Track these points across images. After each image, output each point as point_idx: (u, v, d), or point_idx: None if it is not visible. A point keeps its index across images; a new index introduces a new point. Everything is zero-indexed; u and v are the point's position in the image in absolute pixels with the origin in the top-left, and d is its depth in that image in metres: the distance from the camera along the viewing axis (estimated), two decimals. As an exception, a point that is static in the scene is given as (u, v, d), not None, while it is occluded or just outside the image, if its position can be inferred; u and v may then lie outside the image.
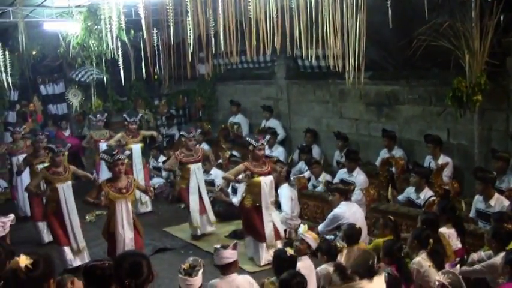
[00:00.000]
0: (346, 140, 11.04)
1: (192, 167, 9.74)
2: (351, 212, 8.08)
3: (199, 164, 9.95)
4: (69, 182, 8.61)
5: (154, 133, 12.59)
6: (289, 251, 5.76)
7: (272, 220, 8.46)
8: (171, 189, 12.31)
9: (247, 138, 8.88)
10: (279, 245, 8.27)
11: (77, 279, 4.76)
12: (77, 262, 8.47)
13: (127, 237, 7.76)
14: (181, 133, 10.40)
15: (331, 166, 11.22)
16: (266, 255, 8.24)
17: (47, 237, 9.74)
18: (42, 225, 9.80)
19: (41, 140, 10.19)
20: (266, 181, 8.41)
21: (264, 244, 8.35)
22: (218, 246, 5.78)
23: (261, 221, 8.37)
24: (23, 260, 3.63)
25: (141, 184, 8.70)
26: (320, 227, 8.39)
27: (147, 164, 12.03)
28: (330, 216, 8.25)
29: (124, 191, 7.80)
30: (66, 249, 8.48)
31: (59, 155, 8.54)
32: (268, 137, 9.13)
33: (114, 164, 7.82)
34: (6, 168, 12.72)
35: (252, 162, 8.51)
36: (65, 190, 8.48)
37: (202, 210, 9.79)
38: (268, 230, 8.37)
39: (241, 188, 10.25)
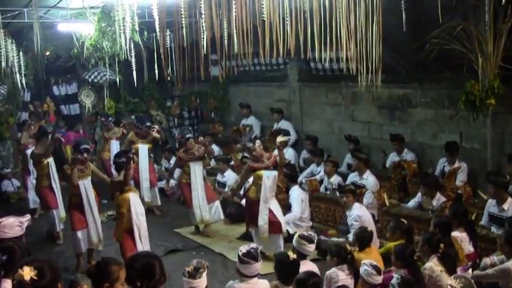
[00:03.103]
0: (357, 142, 11.00)
1: (190, 164, 9.91)
2: (365, 212, 8.15)
3: (200, 163, 10.09)
4: (89, 178, 8.80)
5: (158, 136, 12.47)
6: (291, 255, 5.73)
7: (267, 214, 8.53)
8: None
9: (245, 144, 9.17)
10: (281, 239, 8.52)
11: (88, 282, 4.76)
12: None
13: (143, 228, 7.92)
14: (188, 136, 10.40)
15: (340, 168, 11.16)
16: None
17: (60, 224, 9.93)
18: (56, 213, 9.86)
19: (59, 135, 10.30)
20: (268, 175, 8.53)
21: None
22: (247, 258, 5.41)
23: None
24: (27, 273, 3.54)
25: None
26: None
27: (153, 165, 12.08)
28: (354, 220, 8.20)
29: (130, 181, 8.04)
30: (80, 233, 8.64)
31: (82, 153, 8.72)
32: (254, 135, 9.28)
33: (128, 162, 7.85)
34: (19, 167, 12.81)
35: (254, 160, 8.77)
36: (86, 186, 8.68)
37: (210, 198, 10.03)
38: (261, 222, 8.50)
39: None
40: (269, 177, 8.52)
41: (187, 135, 10.22)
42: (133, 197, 7.87)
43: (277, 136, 9.17)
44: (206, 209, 9.93)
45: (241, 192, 10.69)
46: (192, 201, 9.89)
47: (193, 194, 9.85)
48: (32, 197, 11.40)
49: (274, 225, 8.53)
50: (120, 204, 7.91)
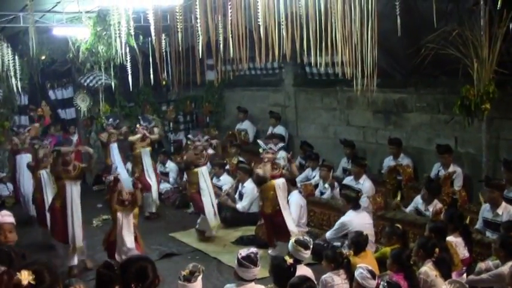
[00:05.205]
0: (353, 147, 11.01)
1: (199, 170, 9.81)
2: (359, 220, 8.08)
3: (205, 167, 10.04)
4: (78, 182, 8.72)
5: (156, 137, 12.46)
6: (289, 260, 5.71)
7: (291, 216, 8.53)
8: (177, 194, 12.36)
9: (258, 141, 8.98)
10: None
11: (83, 283, 4.76)
12: (74, 261, 8.62)
13: (127, 247, 7.89)
14: (188, 136, 10.51)
15: (335, 172, 11.16)
16: None
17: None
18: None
19: (46, 145, 10.22)
20: (279, 183, 8.43)
21: None
22: (246, 262, 5.41)
23: (283, 222, 8.36)
24: (25, 277, 3.41)
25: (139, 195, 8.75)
26: (327, 234, 8.39)
27: (156, 167, 12.12)
28: (337, 224, 8.27)
29: (126, 203, 7.94)
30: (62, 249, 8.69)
31: (68, 155, 8.63)
32: (281, 144, 9.18)
33: (110, 188, 8.03)
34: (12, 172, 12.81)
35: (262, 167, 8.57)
36: (73, 188, 8.56)
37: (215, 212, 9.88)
38: (292, 227, 8.38)
39: (248, 193, 10.30)
40: (280, 186, 8.45)
41: (196, 138, 10.21)
42: (120, 217, 7.90)
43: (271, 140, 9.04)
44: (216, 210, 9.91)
45: (237, 196, 10.73)
46: (204, 208, 9.76)
47: (205, 200, 9.74)
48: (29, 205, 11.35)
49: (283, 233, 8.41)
50: (113, 219, 8.06)
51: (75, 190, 8.60)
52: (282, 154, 12.03)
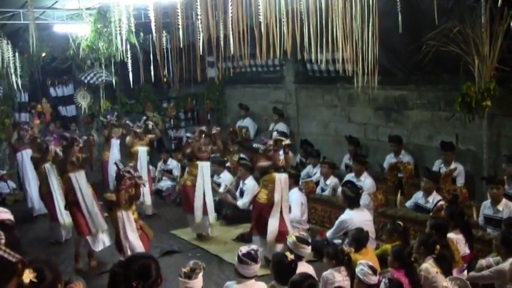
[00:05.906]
0: (357, 144, 11.01)
1: (200, 163, 9.80)
2: (358, 217, 8.06)
3: (208, 163, 10.01)
4: (82, 171, 8.80)
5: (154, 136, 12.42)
6: (290, 256, 5.70)
7: (278, 219, 8.35)
8: (178, 192, 12.36)
9: (254, 145, 8.94)
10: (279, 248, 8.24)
11: (82, 282, 4.75)
12: (99, 246, 8.77)
13: (133, 245, 7.75)
14: (187, 135, 10.51)
15: (339, 169, 11.18)
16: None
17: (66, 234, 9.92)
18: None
19: (50, 141, 10.23)
20: (280, 177, 8.38)
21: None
22: (246, 259, 5.38)
23: (267, 219, 8.31)
24: (27, 275, 3.33)
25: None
26: (328, 234, 8.38)
27: (149, 169, 12.06)
28: (337, 222, 8.26)
29: (124, 202, 7.66)
30: (89, 238, 8.70)
31: (73, 144, 8.75)
32: (275, 133, 9.14)
33: (121, 176, 7.62)
34: (16, 169, 12.82)
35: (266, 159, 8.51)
36: (78, 178, 8.67)
37: (205, 211, 9.78)
38: (271, 227, 8.29)
39: (248, 190, 10.29)
40: (281, 180, 8.37)
41: (195, 134, 10.11)
42: (121, 216, 7.63)
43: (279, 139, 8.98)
44: (212, 210, 9.87)
45: (237, 193, 10.72)
46: (193, 203, 9.70)
47: (197, 195, 9.69)
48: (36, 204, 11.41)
49: (283, 235, 8.19)
50: (113, 219, 7.87)
51: (81, 178, 8.71)
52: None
